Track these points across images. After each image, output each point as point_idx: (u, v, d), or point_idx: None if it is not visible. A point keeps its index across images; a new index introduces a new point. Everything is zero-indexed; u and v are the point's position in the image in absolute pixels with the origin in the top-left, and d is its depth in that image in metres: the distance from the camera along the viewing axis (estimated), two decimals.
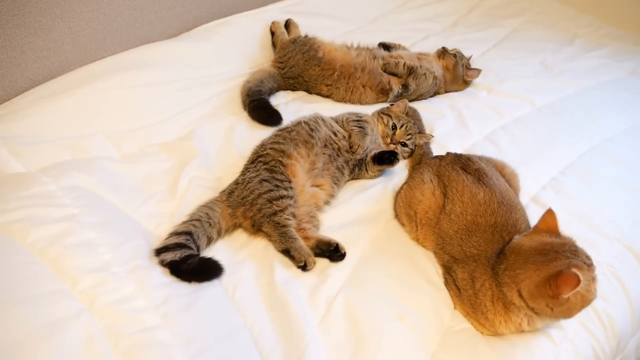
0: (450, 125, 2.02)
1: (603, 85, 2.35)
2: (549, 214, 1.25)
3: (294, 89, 2.18)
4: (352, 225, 1.57)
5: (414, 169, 1.64)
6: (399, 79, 2.13)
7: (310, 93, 2.18)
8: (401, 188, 1.61)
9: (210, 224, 1.46)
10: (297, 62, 2.12)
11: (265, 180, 1.52)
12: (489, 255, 1.30)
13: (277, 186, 1.51)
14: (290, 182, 1.53)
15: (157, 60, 2.03)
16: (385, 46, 2.31)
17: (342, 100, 2.13)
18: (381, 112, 1.87)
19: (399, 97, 2.09)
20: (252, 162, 1.62)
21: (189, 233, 1.41)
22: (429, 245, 1.48)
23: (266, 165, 1.57)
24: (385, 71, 2.11)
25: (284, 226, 1.45)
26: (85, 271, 1.26)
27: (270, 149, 1.62)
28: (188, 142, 1.82)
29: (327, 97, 2.15)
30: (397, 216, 1.60)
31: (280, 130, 1.73)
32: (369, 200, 1.67)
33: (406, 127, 1.82)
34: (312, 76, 2.12)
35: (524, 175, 1.65)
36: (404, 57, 2.19)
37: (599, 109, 2.18)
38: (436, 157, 1.64)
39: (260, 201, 1.48)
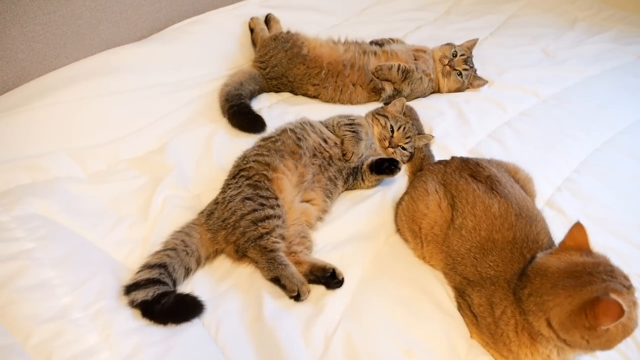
0: (450, 123, 1.85)
1: (610, 72, 2.19)
2: (578, 228, 1.08)
3: (277, 90, 1.99)
4: (349, 244, 1.40)
5: (415, 177, 1.46)
6: (392, 83, 1.94)
7: (296, 94, 2.00)
8: (402, 199, 1.43)
9: (187, 253, 1.28)
10: (280, 60, 1.93)
11: (249, 199, 1.33)
12: (508, 276, 1.13)
13: (262, 205, 1.32)
14: (277, 198, 1.35)
15: (124, 65, 1.83)
16: (377, 43, 2.11)
17: (331, 100, 1.94)
18: (376, 113, 1.69)
19: (392, 97, 1.91)
20: (234, 177, 1.43)
21: (163, 265, 1.22)
22: (436, 264, 1.31)
23: (249, 181, 1.38)
24: (378, 78, 1.92)
25: (272, 251, 1.27)
26: (39, 320, 1.07)
27: (253, 161, 1.44)
28: (161, 156, 1.63)
29: (314, 97, 1.97)
30: (399, 230, 1.43)
31: (264, 139, 1.54)
32: (366, 213, 1.49)
33: (405, 128, 1.64)
34: (296, 76, 1.93)
35: (535, 177, 1.48)
36: (398, 55, 2.00)
37: (609, 98, 2.02)
38: (440, 162, 1.46)
39: (243, 223, 1.30)
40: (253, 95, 1.90)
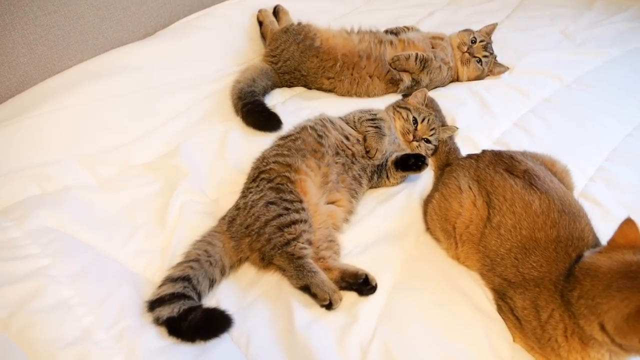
0: (473, 112, 1.77)
1: (633, 53, 2.12)
2: (628, 224, 1.01)
3: (290, 85, 1.91)
4: (379, 246, 1.33)
5: (445, 173, 1.39)
6: (411, 74, 1.86)
7: (310, 88, 1.92)
8: (432, 196, 1.36)
9: (210, 263, 1.21)
10: (292, 54, 1.85)
11: (272, 203, 1.26)
12: (554, 277, 1.06)
13: (287, 209, 1.25)
14: (301, 202, 1.28)
15: (130, 64, 1.76)
16: (392, 32, 2.03)
17: (347, 93, 1.87)
18: (397, 106, 1.62)
19: (411, 88, 1.83)
20: (254, 180, 1.36)
21: (186, 278, 1.16)
22: (472, 265, 1.25)
23: (271, 184, 1.31)
24: (395, 69, 1.84)
25: (299, 258, 1.20)
26: (62, 344, 1.01)
27: (273, 162, 1.37)
28: (175, 159, 1.56)
29: (329, 91, 1.89)
30: (429, 229, 1.36)
31: (283, 138, 1.47)
32: (393, 212, 1.42)
33: (428, 120, 1.57)
34: (310, 69, 1.85)
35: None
36: (415, 44, 1.91)
37: (635, 80, 1.94)
38: (470, 156, 1.39)
39: (268, 229, 1.23)
40: (266, 91, 1.82)
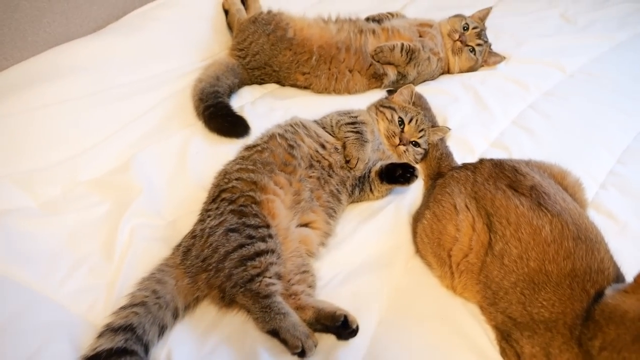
0: (467, 110, 1.58)
1: None
2: None
3: (261, 82, 1.71)
4: (361, 275, 1.15)
5: (438, 187, 1.20)
6: (396, 67, 1.65)
7: (283, 85, 1.72)
8: (422, 214, 1.17)
9: (160, 306, 1.02)
10: (262, 47, 1.64)
11: (233, 230, 1.07)
12: (569, 320, 0.89)
13: (251, 237, 1.06)
14: (268, 227, 1.09)
15: (76, 65, 1.53)
16: (374, 19, 1.81)
17: (325, 90, 1.66)
18: (380, 105, 1.42)
19: (396, 82, 1.63)
20: (214, 201, 1.16)
21: (129, 328, 0.96)
22: (471, 297, 1.06)
23: (233, 206, 1.12)
24: (378, 61, 1.63)
25: (266, 296, 1.01)
26: None
27: (236, 179, 1.17)
28: (126, 175, 1.35)
29: (305, 88, 1.69)
30: (419, 253, 1.18)
31: (248, 149, 1.27)
32: (378, 232, 1.24)
33: (416, 120, 1.38)
34: (283, 64, 1.64)
35: (573, 171, 1.22)
36: (400, 32, 1.70)
37: None
38: (466, 167, 1.19)
39: (228, 263, 1.04)
40: (232, 90, 1.61)
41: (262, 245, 1.06)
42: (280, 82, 1.70)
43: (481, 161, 1.16)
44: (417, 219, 1.21)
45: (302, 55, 1.62)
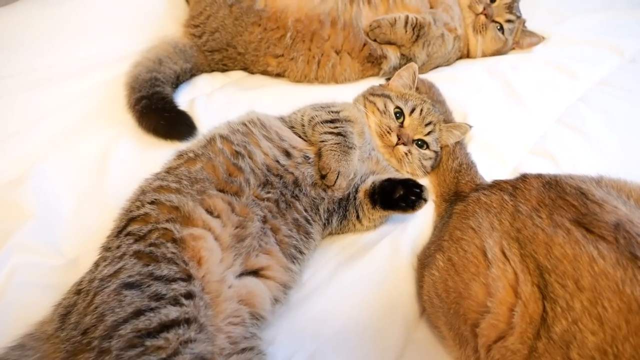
0: (494, 104, 1.19)
1: None
2: None
3: (223, 69, 1.33)
4: (338, 353, 0.74)
5: (456, 216, 0.79)
6: (399, 47, 1.25)
7: (253, 73, 1.32)
8: (432, 257, 0.77)
9: None
10: (223, 22, 1.25)
11: (132, 286, 0.68)
12: None
13: (159, 297, 0.68)
14: (189, 279, 0.70)
15: None
16: None
17: (304, 78, 1.28)
18: (370, 94, 1.03)
19: (399, 69, 1.22)
20: (118, 235, 0.77)
21: None
22: None
23: (139, 245, 0.73)
24: (375, 40, 1.23)
25: None
26: None
27: (151, 203, 0.78)
28: (16, 193, 0.96)
29: (278, 76, 1.30)
30: (427, 314, 0.76)
31: (179, 157, 0.87)
32: (365, 281, 0.84)
33: (421, 111, 0.97)
34: (249, 44, 1.25)
35: None
36: (405, 1, 1.30)
37: None
38: (499, 185, 0.78)
39: (117, 342, 0.64)
40: (181, 78, 1.23)
41: (173, 312, 0.66)
42: (248, 69, 1.32)
43: (524, 178, 0.75)
44: (424, 262, 0.81)
45: (274, 32, 1.23)
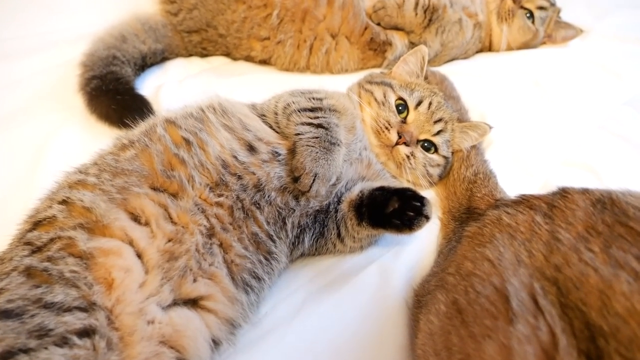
0: (520, 105, 0.98)
1: None
2: None
3: (203, 53, 1.14)
4: None
5: (466, 241, 0.58)
6: (407, 34, 1.05)
7: (235, 59, 1.13)
8: (432, 296, 0.56)
9: None
10: None
11: (10, 315, 0.50)
12: None
13: (43, 333, 0.49)
14: (90, 309, 0.52)
15: None
16: None
17: (294, 66, 1.10)
18: (367, 82, 0.84)
19: None
20: (17, 245, 0.58)
21: None
22: None
23: (33, 258, 0.55)
24: (378, 24, 1.04)
25: None
26: None
27: (60, 203, 0.58)
28: None
29: (263, 62, 1.10)
30: None
31: (113, 146, 0.68)
32: (343, 320, 0.64)
33: (429, 104, 0.78)
34: (231, 24, 1.08)
35: None
36: None
37: None
38: (528, 201, 0.57)
39: None
40: (148, 59, 1.06)
41: (58, 356, 0.46)
42: (230, 54, 1.14)
43: (565, 193, 0.54)
44: (421, 300, 0.59)
45: (259, 9, 1.05)
